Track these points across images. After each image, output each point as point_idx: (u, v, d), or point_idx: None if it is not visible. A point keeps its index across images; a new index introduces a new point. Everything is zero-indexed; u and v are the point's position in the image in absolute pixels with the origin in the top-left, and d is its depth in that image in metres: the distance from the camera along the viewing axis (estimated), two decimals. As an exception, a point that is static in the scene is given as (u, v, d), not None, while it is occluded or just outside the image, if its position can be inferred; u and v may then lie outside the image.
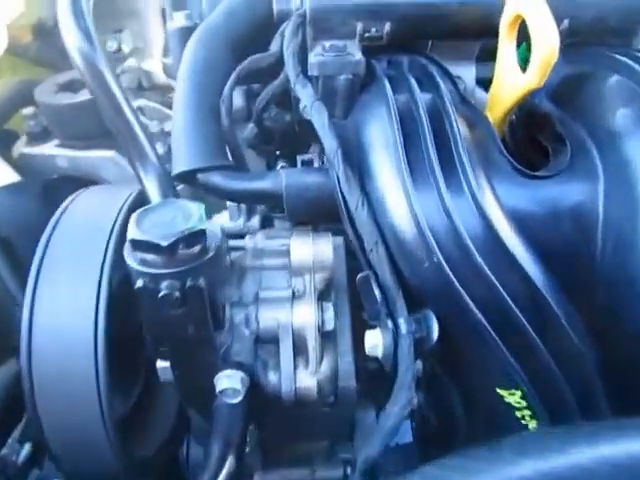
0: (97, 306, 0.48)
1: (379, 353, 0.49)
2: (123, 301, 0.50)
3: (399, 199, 0.47)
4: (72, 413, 0.47)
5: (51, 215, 0.83)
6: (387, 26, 0.57)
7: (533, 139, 0.58)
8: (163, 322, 0.43)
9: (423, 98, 0.54)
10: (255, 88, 0.77)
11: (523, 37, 0.52)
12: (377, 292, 0.46)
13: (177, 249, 0.41)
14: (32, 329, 0.49)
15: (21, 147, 0.89)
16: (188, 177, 0.57)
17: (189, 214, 0.43)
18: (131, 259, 0.42)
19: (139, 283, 0.41)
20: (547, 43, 0.45)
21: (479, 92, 0.80)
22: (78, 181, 0.89)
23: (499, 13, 0.55)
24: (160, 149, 0.88)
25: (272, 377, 0.53)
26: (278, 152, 0.76)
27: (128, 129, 0.58)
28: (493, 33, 0.63)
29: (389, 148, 0.49)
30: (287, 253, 0.59)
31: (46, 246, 0.51)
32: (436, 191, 0.47)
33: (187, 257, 0.42)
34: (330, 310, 0.54)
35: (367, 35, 0.57)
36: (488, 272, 0.46)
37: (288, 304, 0.54)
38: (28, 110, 0.88)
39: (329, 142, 0.49)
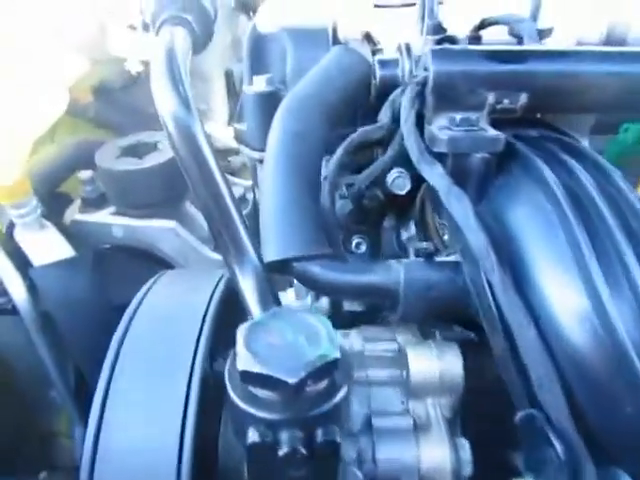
0: (183, 434, 0.36)
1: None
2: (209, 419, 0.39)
3: (586, 311, 0.36)
4: None
5: (100, 287, 0.74)
6: (523, 98, 0.48)
7: None
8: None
9: (583, 175, 0.44)
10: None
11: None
12: (556, 443, 0.34)
13: (305, 387, 0.30)
14: (97, 448, 0.38)
15: (74, 213, 0.82)
16: (281, 266, 0.47)
17: (316, 334, 0.32)
18: (241, 399, 0.31)
19: (253, 436, 0.30)
20: None
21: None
22: (133, 251, 0.81)
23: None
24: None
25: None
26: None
27: (223, 212, 0.49)
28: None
29: (562, 242, 0.39)
30: (395, 362, 0.49)
31: (116, 355, 0.41)
32: (630, 291, 0.36)
33: (314, 397, 0.31)
34: (467, 449, 0.42)
35: (499, 107, 0.48)
36: None
37: (412, 439, 0.42)
38: (85, 174, 0.81)
39: (476, 238, 0.39)
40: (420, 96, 0.50)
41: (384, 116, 0.52)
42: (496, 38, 0.64)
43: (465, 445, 0.42)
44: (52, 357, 0.67)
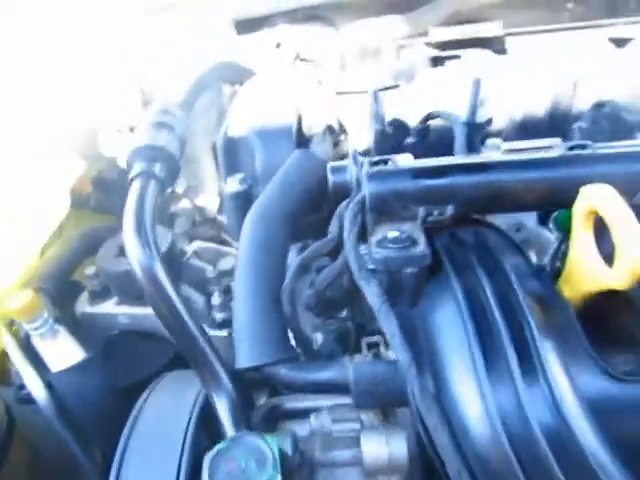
0: None
1: None
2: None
3: (474, 402, 0.44)
4: None
5: (111, 373, 0.84)
6: (450, 209, 0.56)
7: (609, 316, 0.54)
8: None
9: (491, 282, 0.52)
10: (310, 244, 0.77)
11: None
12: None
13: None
14: None
15: (84, 305, 0.92)
16: (253, 370, 0.56)
17: (264, 459, 0.41)
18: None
19: None
20: (635, 255, 0.42)
21: (544, 232, 0.78)
22: (139, 335, 0.91)
23: (566, 189, 0.53)
24: (217, 299, 0.88)
25: None
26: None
27: (195, 348, 0.57)
28: (557, 206, 0.61)
29: (460, 343, 0.47)
30: (358, 442, 0.57)
31: (125, 447, 0.51)
32: (513, 390, 0.44)
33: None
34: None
35: (430, 219, 0.56)
36: None
37: (367, 520, 0.50)
38: (90, 270, 0.91)
39: (401, 355, 0.47)
40: (361, 212, 0.58)
41: (333, 229, 0.61)
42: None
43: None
44: (76, 442, 0.77)
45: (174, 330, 0.58)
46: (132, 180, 0.63)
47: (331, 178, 0.67)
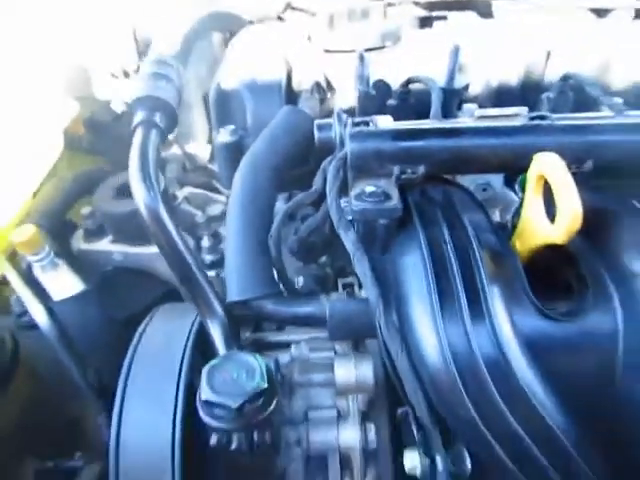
0: (174, 420, 0.55)
1: (417, 474, 0.55)
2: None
3: (430, 335, 0.53)
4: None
5: (107, 306, 0.92)
6: (422, 168, 0.63)
7: (555, 269, 0.63)
8: (231, 466, 0.50)
9: (452, 236, 0.59)
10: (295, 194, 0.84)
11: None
12: (414, 429, 0.52)
13: (244, 408, 0.48)
14: (119, 438, 0.57)
15: (79, 242, 0.98)
16: (242, 304, 0.64)
17: (252, 371, 0.50)
18: (206, 415, 0.49)
19: (213, 439, 0.48)
20: (572, 213, 0.50)
21: (509, 193, 0.86)
22: (132, 272, 0.98)
23: (525, 155, 0.61)
24: (206, 242, 0.95)
25: (320, 492, 0.59)
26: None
27: (193, 280, 0.64)
28: (518, 170, 0.69)
29: (421, 285, 0.55)
30: (331, 367, 0.66)
31: (128, 370, 0.59)
32: (462, 327, 0.53)
33: (251, 413, 0.49)
34: (372, 431, 0.60)
35: (403, 177, 0.63)
36: (504, 408, 0.51)
37: (335, 426, 0.60)
38: (86, 210, 0.96)
39: (371, 292, 0.55)
40: (343, 168, 0.64)
41: (317, 182, 0.67)
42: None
43: (372, 428, 0.60)
44: (76, 367, 0.86)
45: (174, 264, 0.64)
46: (134, 129, 0.68)
47: (317, 134, 0.73)
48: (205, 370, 0.50)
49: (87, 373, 0.80)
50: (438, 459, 0.52)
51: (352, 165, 0.63)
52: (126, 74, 1.02)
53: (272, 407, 0.50)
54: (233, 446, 0.48)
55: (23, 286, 0.88)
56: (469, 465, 0.52)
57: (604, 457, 0.53)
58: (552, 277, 0.63)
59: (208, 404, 0.48)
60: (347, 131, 0.64)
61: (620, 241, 0.58)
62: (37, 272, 0.87)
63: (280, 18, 1.25)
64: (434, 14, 1.08)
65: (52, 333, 0.82)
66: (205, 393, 0.48)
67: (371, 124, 0.65)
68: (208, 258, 0.99)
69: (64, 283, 0.87)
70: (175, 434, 0.55)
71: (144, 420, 0.56)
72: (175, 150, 1.14)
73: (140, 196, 0.63)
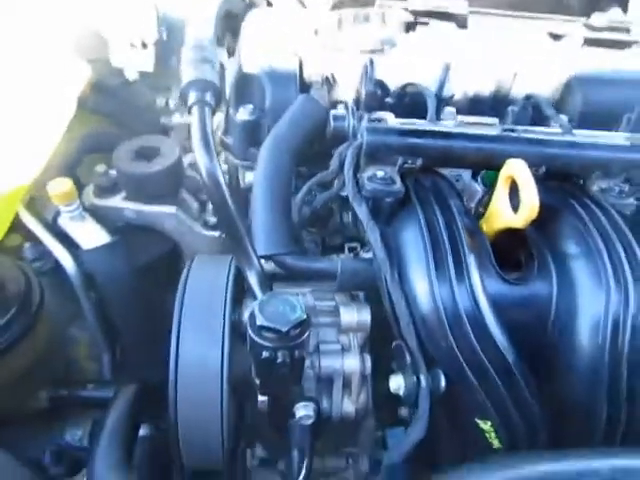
0: (222, 346, 0.71)
1: (401, 393, 0.74)
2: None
3: (426, 288, 0.71)
4: (199, 413, 0.70)
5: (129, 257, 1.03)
6: (419, 161, 0.80)
7: (511, 247, 0.83)
8: (274, 376, 0.66)
9: (442, 215, 0.77)
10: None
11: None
12: (407, 357, 0.70)
13: (290, 332, 0.63)
14: (178, 358, 0.71)
15: (91, 198, 1.06)
16: (267, 258, 0.79)
17: (293, 306, 0.65)
18: (258, 337, 0.64)
19: (265, 354, 0.63)
20: (531, 206, 0.69)
21: (473, 185, 1.05)
22: (143, 229, 1.08)
23: (497, 158, 0.79)
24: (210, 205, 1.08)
25: (326, 405, 0.77)
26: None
27: (237, 234, 0.77)
28: (489, 168, 0.88)
29: (419, 252, 0.73)
30: (333, 313, 0.83)
31: (181, 304, 0.73)
32: (449, 284, 0.71)
33: (294, 336, 0.64)
34: (368, 361, 0.78)
35: (405, 166, 0.80)
36: (474, 342, 0.70)
37: (339, 356, 0.77)
38: (100, 167, 1.05)
39: (380, 255, 0.72)
40: (357, 153, 0.80)
41: (334, 163, 0.82)
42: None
43: (368, 359, 0.78)
44: (92, 307, 0.96)
45: (224, 219, 0.78)
46: (190, 107, 0.79)
47: (332, 124, 0.88)
48: (257, 303, 0.65)
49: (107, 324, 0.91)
50: (422, 379, 0.70)
51: (366, 153, 0.79)
52: (144, 45, 1.10)
53: (307, 333, 0.66)
54: (279, 360, 0.63)
55: (47, 234, 0.97)
56: (444, 384, 0.71)
57: (537, 381, 0.74)
58: (509, 253, 0.83)
59: (262, 328, 0.63)
60: (364, 124, 0.80)
61: (559, 230, 0.78)
62: (65, 222, 0.96)
63: (269, 3, 1.37)
64: (418, 20, 1.24)
65: (78, 280, 0.92)
66: (260, 320, 0.63)
67: (383, 121, 0.81)
68: (212, 220, 1.11)
69: (92, 234, 0.96)
70: (223, 357, 0.70)
71: (197, 347, 0.70)
72: (176, 119, 1.23)
73: (202, 162, 0.75)
